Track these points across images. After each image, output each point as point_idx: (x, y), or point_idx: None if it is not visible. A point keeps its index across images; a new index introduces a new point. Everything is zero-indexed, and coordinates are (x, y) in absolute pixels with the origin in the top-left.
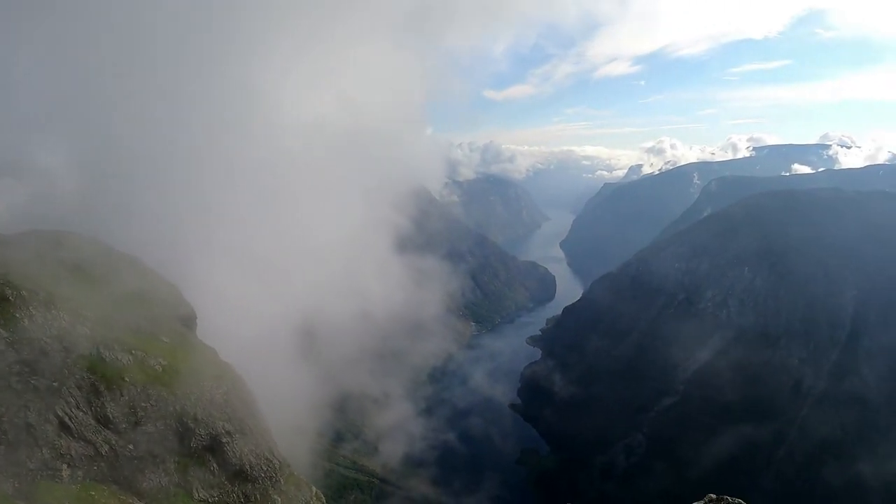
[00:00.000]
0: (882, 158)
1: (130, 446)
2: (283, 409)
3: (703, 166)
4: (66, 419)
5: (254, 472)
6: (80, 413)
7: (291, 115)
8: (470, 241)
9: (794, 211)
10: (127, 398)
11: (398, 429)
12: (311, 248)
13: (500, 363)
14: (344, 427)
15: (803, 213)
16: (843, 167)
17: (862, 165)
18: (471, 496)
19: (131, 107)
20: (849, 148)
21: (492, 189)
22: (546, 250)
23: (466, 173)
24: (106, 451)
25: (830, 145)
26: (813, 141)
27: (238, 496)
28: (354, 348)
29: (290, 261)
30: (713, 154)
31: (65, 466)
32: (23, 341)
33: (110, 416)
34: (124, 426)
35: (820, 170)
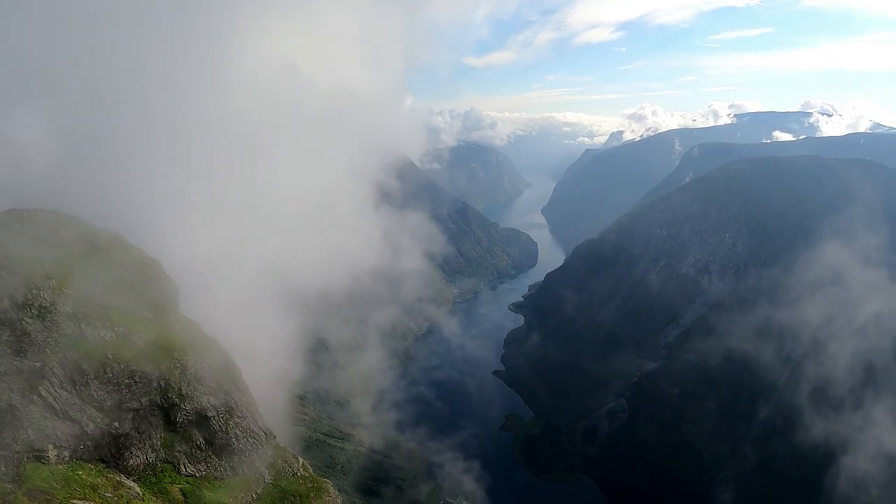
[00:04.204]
0: (863, 127)
1: (116, 424)
2: (263, 368)
3: (684, 133)
4: (51, 399)
5: (240, 446)
6: (65, 392)
7: (267, 65)
8: (452, 207)
9: (775, 178)
10: (111, 376)
11: (380, 395)
12: (289, 202)
13: (483, 329)
14: (326, 392)
15: (784, 179)
16: (824, 135)
17: (843, 133)
18: (455, 461)
19: (104, 68)
20: (830, 116)
21: (473, 156)
22: (528, 217)
23: (448, 140)
24: (92, 430)
25: (811, 113)
26: (794, 108)
27: (225, 470)
28: (334, 312)
29: (267, 213)
30: (694, 121)
31: (51, 447)
32: (3, 322)
33: (95, 394)
34: (109, 404)
35: (801, 137)
